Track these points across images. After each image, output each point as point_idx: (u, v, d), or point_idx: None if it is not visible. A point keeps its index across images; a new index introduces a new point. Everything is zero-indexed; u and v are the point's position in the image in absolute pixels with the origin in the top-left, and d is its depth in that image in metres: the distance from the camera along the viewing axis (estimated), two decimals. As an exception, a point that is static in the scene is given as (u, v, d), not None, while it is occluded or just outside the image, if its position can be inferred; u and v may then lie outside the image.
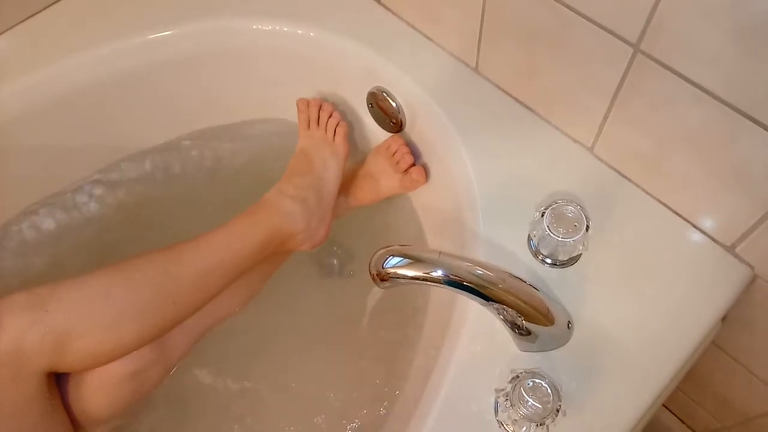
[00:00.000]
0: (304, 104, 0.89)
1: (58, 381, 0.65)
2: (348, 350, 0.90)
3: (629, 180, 0.74)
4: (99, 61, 0.89)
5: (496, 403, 0.61)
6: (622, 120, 0.68)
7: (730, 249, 0.68)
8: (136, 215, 0.99)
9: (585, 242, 0.64)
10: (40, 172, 0.94)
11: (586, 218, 0.63)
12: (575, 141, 0.77)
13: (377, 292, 0.92)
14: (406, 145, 0.87)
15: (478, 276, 0.56)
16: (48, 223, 0.95)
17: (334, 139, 0.86)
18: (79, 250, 0.96)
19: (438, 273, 0.55)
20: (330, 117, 0.87)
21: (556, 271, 0.69)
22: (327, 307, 0.94)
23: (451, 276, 0.55)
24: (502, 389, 0.58)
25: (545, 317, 0.60)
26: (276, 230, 0.75)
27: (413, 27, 0.88)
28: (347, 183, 0.90)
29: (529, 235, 0.70)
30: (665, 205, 0.72)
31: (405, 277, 0.55)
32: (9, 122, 0.86)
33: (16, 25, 0.91)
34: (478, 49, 0.80)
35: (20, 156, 0.90)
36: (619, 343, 0.64)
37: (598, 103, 0.69)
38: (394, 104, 0.86)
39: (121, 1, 0.93)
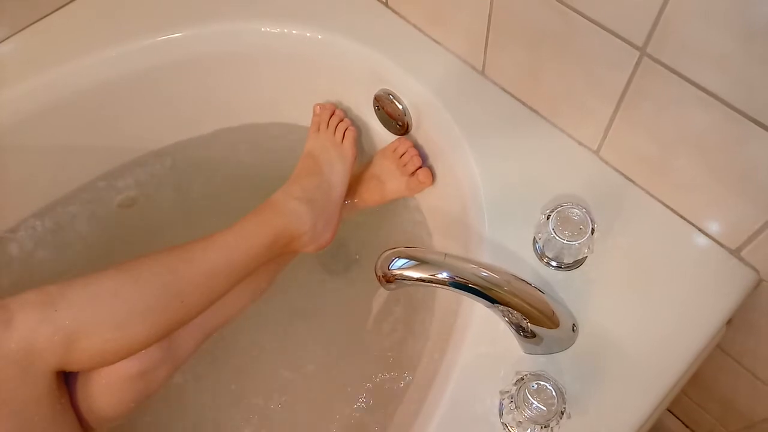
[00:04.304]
0: (318, 108, 0.90)
1: (66, 379, 0.65)
2: (352, 351, 0.90)
3: (635, 183, 0.74)
4: (107, 63, 0.90)
5: (501, 405, 0.62)
6: (628, 123, 0.68)
7: (736, 252, 0.68)
8: (144, 216, 1.00)
9: (590, 245, 0.64)
10: (48, 172, 0.95)
11: (591, 221, 0.63)
12: (581, 144, 0.77)
13: (382, 293, 0.93)
14: (415, 148, 0.87)
15: (484, 278, 0.56)
16: (56, 224, 0.96)
17: (342, 142, 0.87)
18: (87, 251, 0.96)
19: (443, 275, 0.55)
20: (340, 121, 0.89)
21: (561, 274, 0.69)
22: (332, 308, 0.94)
23: (456, 278, 0.55)
24: (507, 391, 0.58)
25: (550, 320, 0.60)
26: (282, 230, 0.75)
27: (420, 30, 0.88)
28: (353, 185, 0.91)
29: (534, 238, 0.70)
30: (670, 209, 0.72)
31: (410, 278, 0.55)
32: (18, 123, 0.87)
33: (26, 27, 0.92)
34: (485, 52, 0.80)
35: (29, 157, 0.91)
36: (624, 346, 0.64)
37: (604, 106, 0.69)
38: (400, 107, 0.87)
39: (129, 3, 0.94)
